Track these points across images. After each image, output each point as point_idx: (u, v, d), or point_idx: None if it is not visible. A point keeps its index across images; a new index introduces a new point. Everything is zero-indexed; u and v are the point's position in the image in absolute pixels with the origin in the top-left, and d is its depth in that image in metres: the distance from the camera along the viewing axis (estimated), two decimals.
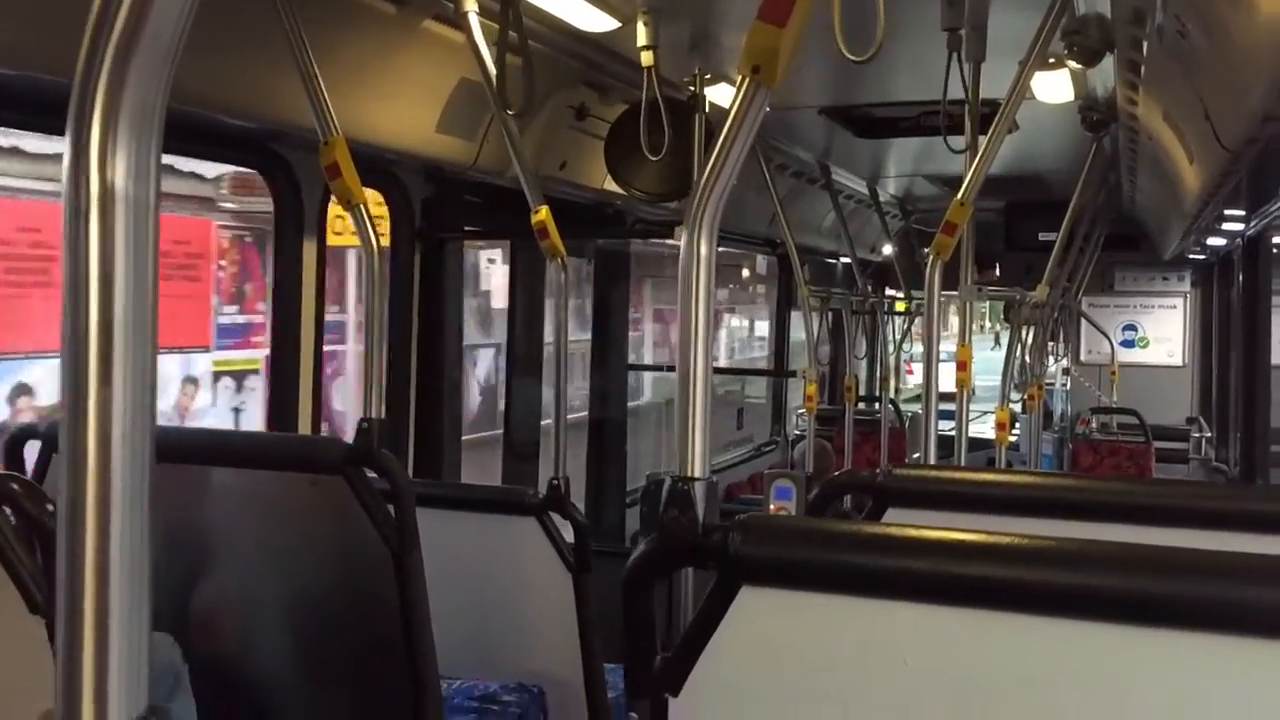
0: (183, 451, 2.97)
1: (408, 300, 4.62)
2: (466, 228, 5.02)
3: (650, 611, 1.58)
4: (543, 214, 3.62)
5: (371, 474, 2.75)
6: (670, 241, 4.84)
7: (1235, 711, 1.27)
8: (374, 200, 4.61)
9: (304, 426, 3.84)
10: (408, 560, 2.66)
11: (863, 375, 10.91)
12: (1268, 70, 2.42)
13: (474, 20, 3.53)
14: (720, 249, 6.01)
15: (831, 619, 1.44)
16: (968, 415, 3.82)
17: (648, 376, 12.05)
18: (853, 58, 1.95)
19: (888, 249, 9.90)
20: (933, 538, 1.41)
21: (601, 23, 3.95)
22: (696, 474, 1.52)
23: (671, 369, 5.52)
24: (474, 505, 3.63)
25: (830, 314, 8.84)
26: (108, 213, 0.89)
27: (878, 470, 2.29)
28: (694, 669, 1.50)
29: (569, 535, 3.58)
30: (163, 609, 2.92)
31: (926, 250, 3.44)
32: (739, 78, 1.55)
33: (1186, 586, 1.33)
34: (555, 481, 3.65)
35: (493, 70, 3.44)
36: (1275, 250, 6.89)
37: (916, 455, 6.37)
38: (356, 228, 2.84)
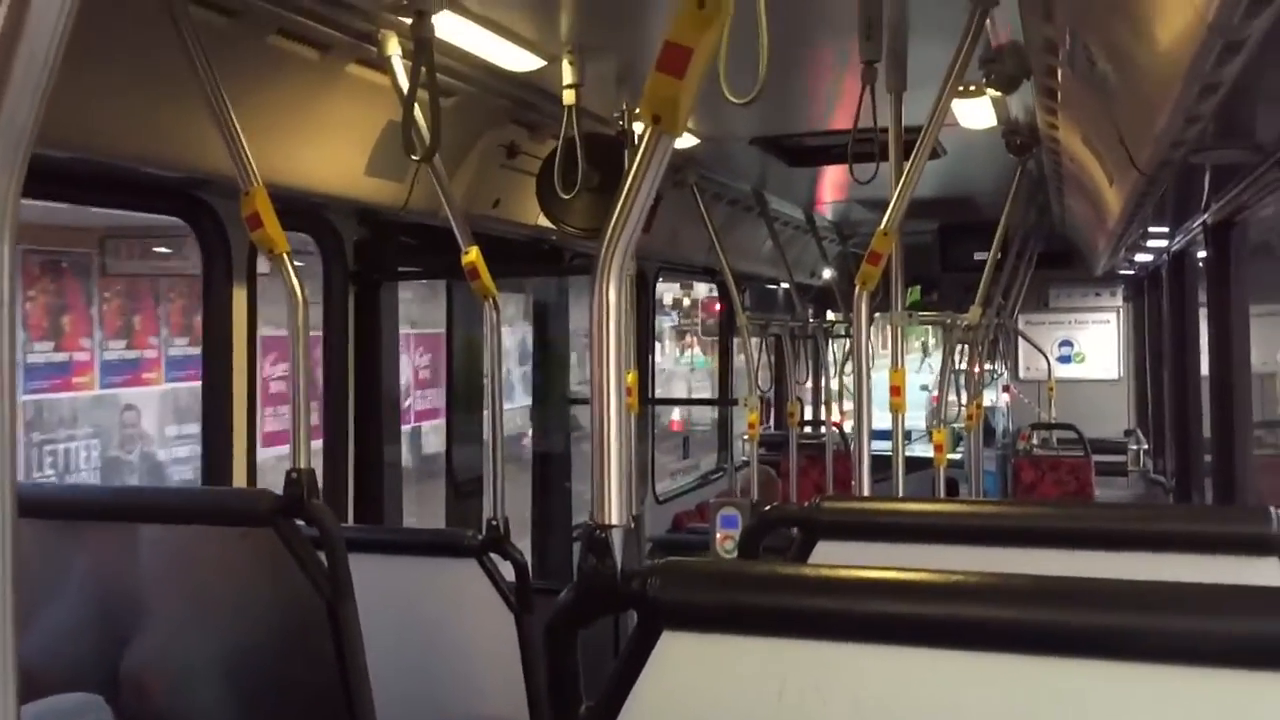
0: (110, 510, 2.93)
1: (343, 344, 4.59)
2: (401, 269, 5.01)
3: (574, 661, 1.58)
4: (473, 255, 3.63)
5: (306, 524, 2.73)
6: None
7: None
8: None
9: (239, 479, 3.79)
10: (342, 609, 2.64)
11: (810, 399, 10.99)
12: (1171, 97, 2.49)
13: (398, 64, 3.53)
14: (661, 281, 5.97)
15: (752, 661, 1.45)
16: (903, 440, 3.86)
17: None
18: (734, 99, 1.97)
19: (827, 273, 10.00)
20: (846, 576, 1.43)
21: (527, 62, 3.97)
22: (614, 521, 1.52)
23: None
24: (413, 549, 3.61)
25: (773, 339, 8.90)
26: None
27: (806, 503, 2.31)
28: (619, 716, 1.51)
29: (512, 575, 3.56)
30: (94, 669, 2.87)
31: None
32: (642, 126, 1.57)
33: (1102, 617, 1.35)
34: (494, 522, 3.64)
35: (419, 113, 3.44)
36: (1200, 264, 7.05)
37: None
38: (282, 277, 2.82)
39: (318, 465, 4.30)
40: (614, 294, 1.53)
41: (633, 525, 1.53)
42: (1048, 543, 2.18)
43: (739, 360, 9.14)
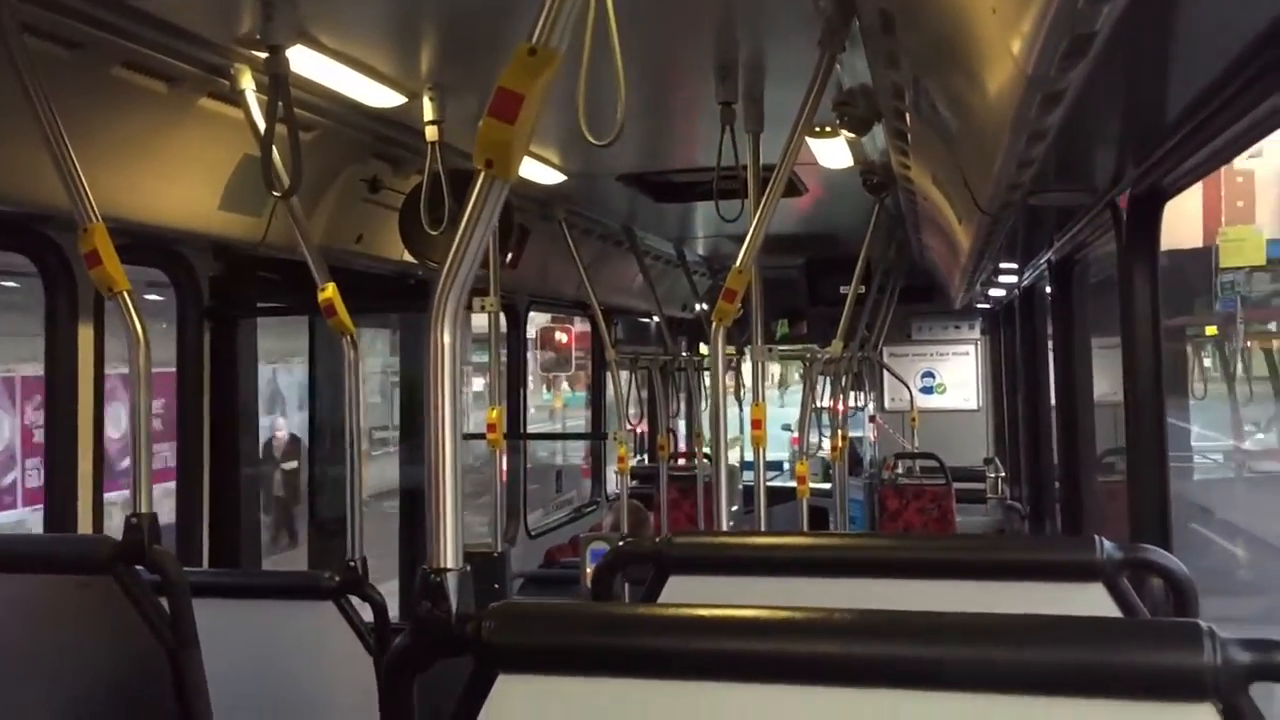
0: None
1: (197, 382, 4.47)
2: (260, 304, 4.91)
3: (410, 706, 1.56)
4: (329, 291, 3.58)
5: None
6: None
7: None
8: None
9: (84, 527, 3.65)
10: (184, 658, 2.56)
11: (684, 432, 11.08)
12: (1005, 143, 2.60)
13: (252, 99, 3.48)
14: (532, 313, 5.95)
15: (590, 702, 1.46)
16: (764, 472, 3.92)
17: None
18: (594, 141, 2.00)
19: (699, 306, 10.12)
20: (677, 615, 1.45)
21: (388, 99, 3.95)
22: (449, 564, 1.52)
23: (480, 436, 5.39)
24: (267, 592, 3.52)
25: (644, 373, 8.96)
26: None
27: (657, 539, 2.33)
28: None
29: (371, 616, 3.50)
30: None
31: None
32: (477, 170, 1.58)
33: (920, 649, 1.39)
34: (351, 562, 3.57)
35: (274, 148, 3.39)
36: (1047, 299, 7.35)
37: (735, 508, 6.47)
38: (123, 317, 2.74)
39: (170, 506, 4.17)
40: (449, 336, 1.53)
41: (468, 569, 1.52)
42: (891, 573, 2.24)
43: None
